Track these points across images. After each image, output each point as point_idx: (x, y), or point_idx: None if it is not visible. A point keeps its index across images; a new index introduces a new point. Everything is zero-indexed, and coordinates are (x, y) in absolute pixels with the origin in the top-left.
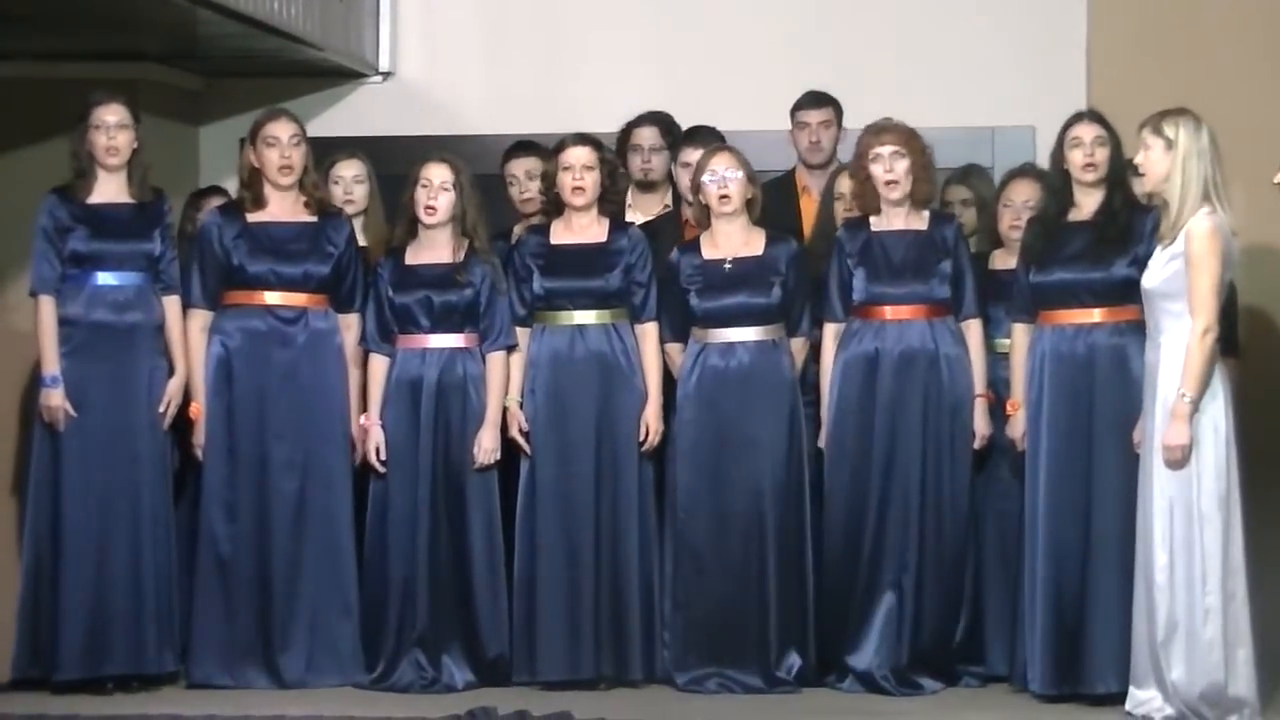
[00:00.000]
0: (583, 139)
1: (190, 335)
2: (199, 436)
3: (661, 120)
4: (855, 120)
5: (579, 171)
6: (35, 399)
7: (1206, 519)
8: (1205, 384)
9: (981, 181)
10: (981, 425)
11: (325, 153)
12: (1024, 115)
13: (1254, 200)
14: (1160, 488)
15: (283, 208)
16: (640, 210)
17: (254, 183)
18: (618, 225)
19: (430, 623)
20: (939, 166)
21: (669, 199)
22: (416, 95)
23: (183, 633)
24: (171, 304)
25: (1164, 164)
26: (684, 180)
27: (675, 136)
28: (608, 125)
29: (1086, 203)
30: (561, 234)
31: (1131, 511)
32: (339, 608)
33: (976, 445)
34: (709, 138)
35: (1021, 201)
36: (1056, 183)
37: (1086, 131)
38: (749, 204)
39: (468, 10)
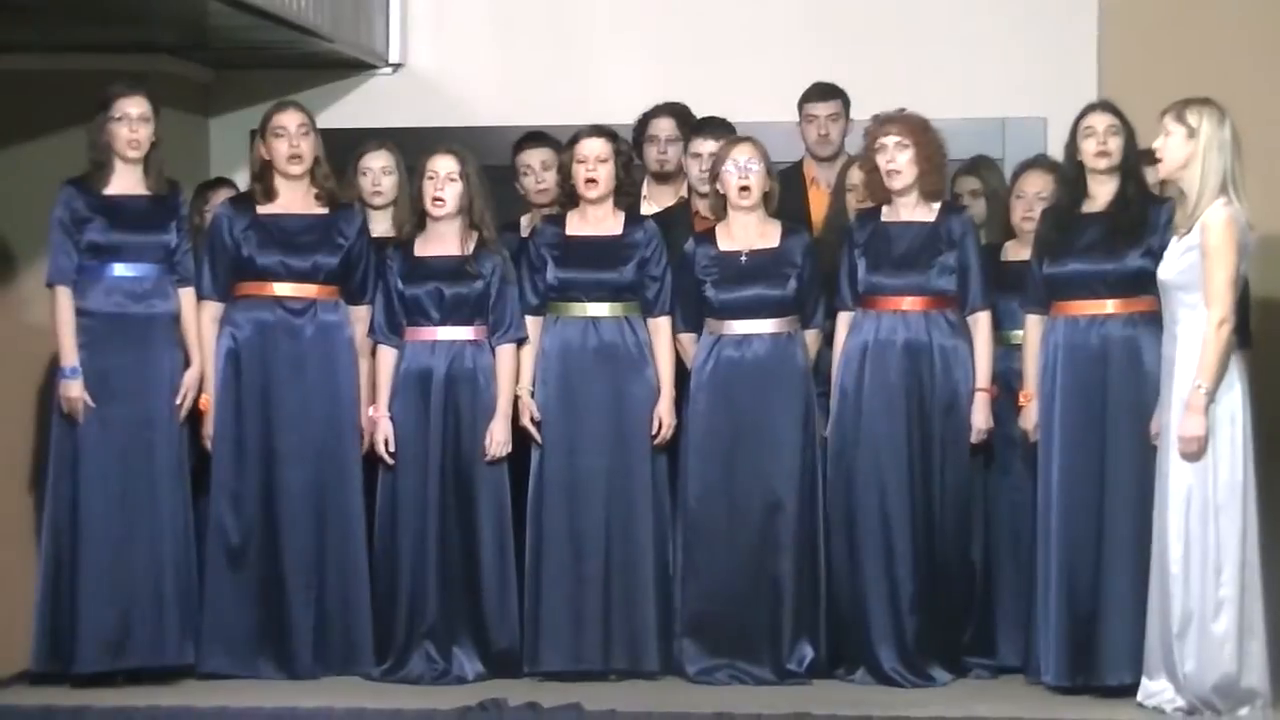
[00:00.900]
0: (597, 131)
1: (202, 327)
2: (209, 428)
3: (678, 111)
4: (866, 111)
5: (593, 164)
6: (53, 392)
7: (1222, 510)
8: (1221, 375)
9: (990, 172)
10: (980, 419)
11: (336, 144)
12: (1035, 106)
13: (1266, 192)
14: (1176, 479)
15: (293, 200)
16: (655, 201)
17: (265, 175)
18: (633, 218)
19: (440, 614)
20: (950, 158)
21: (684, 190)
22: (427, 87)
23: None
24: (187, 295)
25: (1182, 151)
26: (694, 171)
27: (691, 128)
28: (618, 116)
29: (1100, 194)
30: (577, 225)
31: (1144, 503)
32: (350, 599)
33: (974, 439)
34: (720, 129)
35: (1034, 193)
36: (1070, 173)
37: (1100, 120)
38: (766, 196)
39: (478, 1)
